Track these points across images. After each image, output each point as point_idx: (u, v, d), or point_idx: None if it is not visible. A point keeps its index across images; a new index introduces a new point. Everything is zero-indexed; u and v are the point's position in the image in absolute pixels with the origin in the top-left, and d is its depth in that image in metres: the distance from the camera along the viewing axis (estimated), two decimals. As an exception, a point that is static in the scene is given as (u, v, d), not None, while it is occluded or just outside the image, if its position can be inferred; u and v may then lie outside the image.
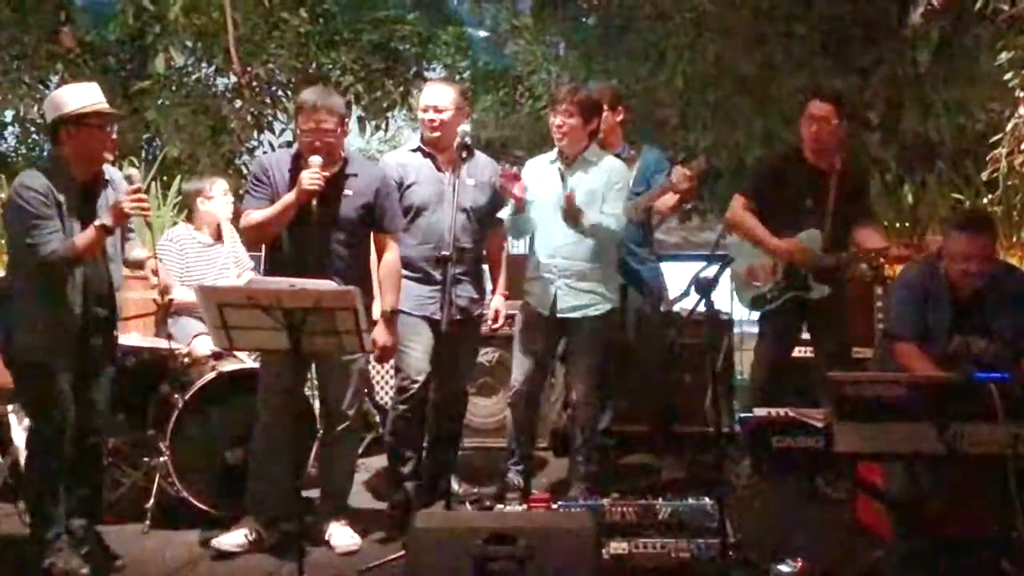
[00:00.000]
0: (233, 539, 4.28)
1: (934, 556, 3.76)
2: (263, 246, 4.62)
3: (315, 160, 4.20)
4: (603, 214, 4.66)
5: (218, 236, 5.35)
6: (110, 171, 4.17)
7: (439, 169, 4.70)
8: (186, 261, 5.19)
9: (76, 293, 3.92)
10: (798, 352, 5.27)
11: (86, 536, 4.12)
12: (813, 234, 4.87)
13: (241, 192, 5.28)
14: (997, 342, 4.08)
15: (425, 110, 4.71)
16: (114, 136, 4.06)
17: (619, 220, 4.73)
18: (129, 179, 4.06)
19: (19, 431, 4.59)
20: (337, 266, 4.30)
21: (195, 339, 4.98)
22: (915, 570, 3.82)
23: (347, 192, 4.37)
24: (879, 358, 4.54)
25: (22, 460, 4.30)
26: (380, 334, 4.40)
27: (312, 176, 4.18)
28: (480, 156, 4.85)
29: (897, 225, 6.89)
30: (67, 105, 3.93)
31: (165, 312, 5.12)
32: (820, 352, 5.07)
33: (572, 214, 4.57)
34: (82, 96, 3.96)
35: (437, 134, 4.67)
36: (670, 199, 5.16)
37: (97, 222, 3.87)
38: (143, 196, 4.04)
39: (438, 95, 4.73)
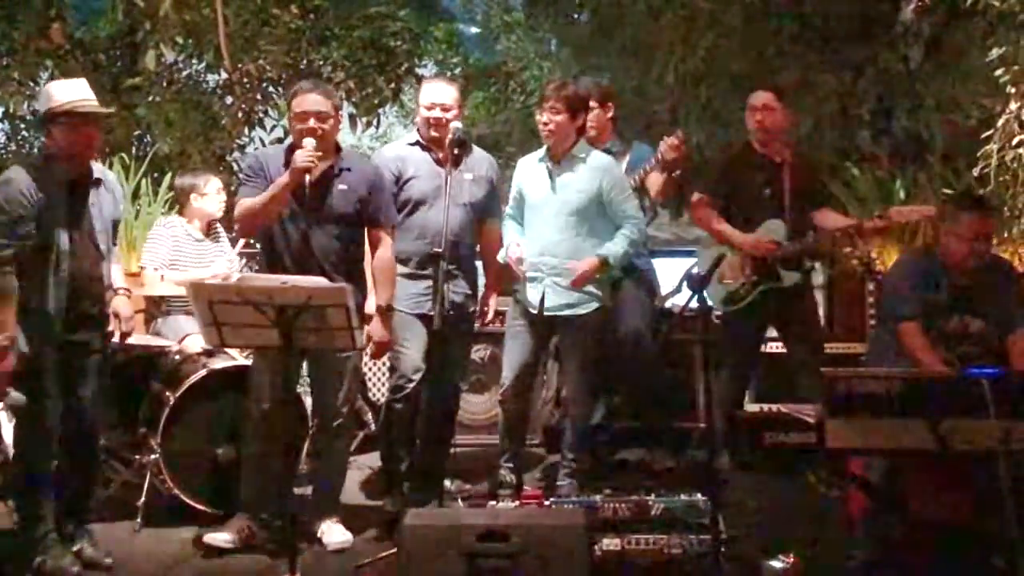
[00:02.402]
0: (225, 535, 4.27)
1: (920, 552, 3.78)
2: (259, 242, 4.60)
3: (309, 142, 4.19)
4: (623, 218, 4.70)
5: (208, 232, 5.36)
6: (103, 170, 4.16)
7: (438, 164, 4.69)
8: (178, 250, 5.20)
9: (59, 290, 3.89)
10: (776, 347, 5.36)
11: (77, 534, 4.11)
12: (776, 224, 4.95)
13: (233, 188, 5.27)
14: (992, 324, 4.22)
15: (431, 107, 4.69)
16: (96, 134, 4.04)
17: (638, 217, 4.78)
18: (117, 315, 4.12)
19: (8, 428, 4.57)
20: (331, 261, 4.30)
21: (186, 336, 4.97)
22: (885, 559, 3.84)
23: (341, 187, 4.35)
24: (876, 343, 4.59)
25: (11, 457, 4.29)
26: (376, 329, 4.40)
27: (306, 155, 4.15)
28: (476, 151, 4.86)
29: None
30: (54, 100, 3.93)
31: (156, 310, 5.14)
32: (791, 341, 5.11)
33: (600, 271, 4.63)
34: (69, 92, 3.95)
35: (443, 132, 4.65)
36: (658, 179, 5.16)
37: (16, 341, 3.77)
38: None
39: (444, 93, 4.73)
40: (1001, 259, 4.54)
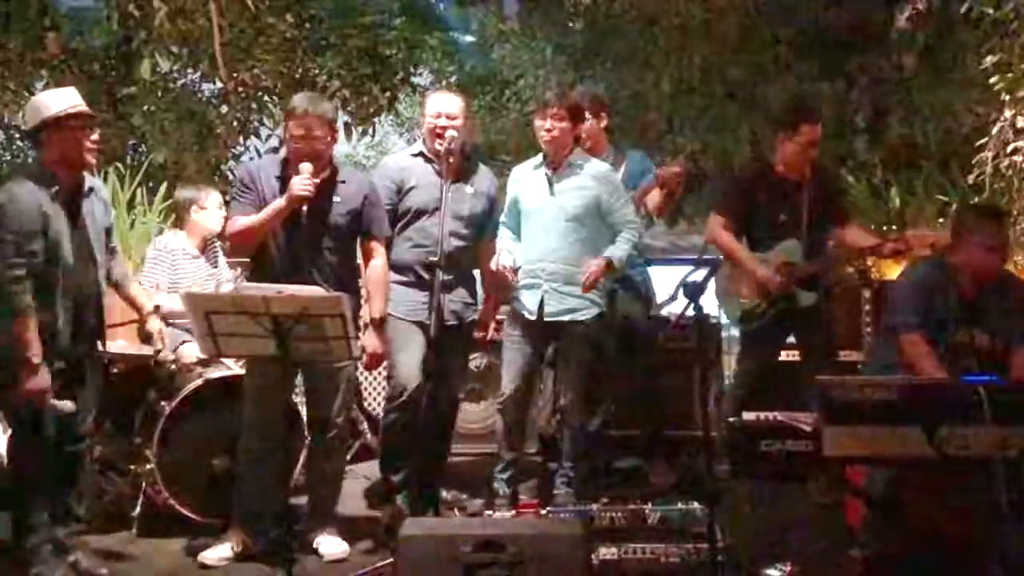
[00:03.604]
0: (219, 553, 4.25)
1: (917, 560, 3.77)
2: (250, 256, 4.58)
3: (305, 167, 4.18)
4: (622, 223, 4.74)
5: (204, 250, 5.30)
6: (92, 180, 4.15)
7: (441, 176, 4.68)
8: (176, 270, 5.14)
9: (65, 302, 3.89)
10: (785, 355, 5.31)
11: (72, 544, 4.09)
12: (793, 245, 4.90)
13: (227, 199, 5.25)
14: (998, 338, 4.18)
15: (436, 116, 4.68)
16: (94, 137, 4.02)
17: (635, 224, 4.81)
18: (151, 335, 4.27)
19: (2, 439, 4.55)
20: (325, 273, 4.29)
21: (182, 345, 4.95)
22: (883, 567, 3.83)
23: (336, 199, 4.35)
24: (876, 351, 4.58)
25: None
26: (369, 341, 4.39)
27: (303, 182, 4.16)
28: (481, 168, 4.90)
29: (884, 228, 6.91)
30: (47, 109, 3.92)
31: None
32: (807, 356, 5.09)
33: (607, 273, 4.68)
34: (61, 100, 3.94)
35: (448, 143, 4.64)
36: (657, 196, 5.16)
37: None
38: None
39: (450, 103, 4.72)
40: (1011, 275, 4.51)
